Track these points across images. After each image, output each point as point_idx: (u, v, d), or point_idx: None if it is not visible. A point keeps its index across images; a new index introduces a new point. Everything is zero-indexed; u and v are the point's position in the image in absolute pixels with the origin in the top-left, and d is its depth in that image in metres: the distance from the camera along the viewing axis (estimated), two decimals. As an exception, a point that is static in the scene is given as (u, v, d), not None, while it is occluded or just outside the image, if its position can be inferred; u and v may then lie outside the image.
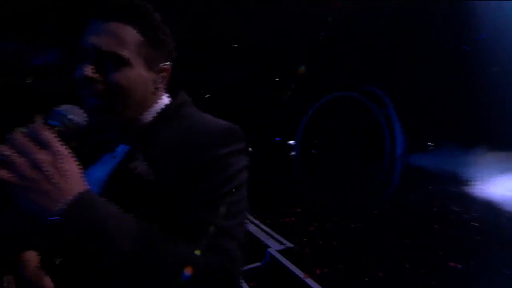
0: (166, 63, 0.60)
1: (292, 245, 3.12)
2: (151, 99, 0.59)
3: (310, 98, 8.90)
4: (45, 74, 8.38)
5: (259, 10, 6.71)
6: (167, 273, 0.42)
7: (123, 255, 0.40)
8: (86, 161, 0.52)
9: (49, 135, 0.40)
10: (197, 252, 0.44)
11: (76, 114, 0.45)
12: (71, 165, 0.42)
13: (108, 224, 0.40)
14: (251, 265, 2.76)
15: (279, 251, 2.92)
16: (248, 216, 4.28)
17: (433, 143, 7.37)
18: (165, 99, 0.63)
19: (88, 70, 0.50)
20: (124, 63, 0.52)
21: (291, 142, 9.08)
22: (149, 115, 0.59)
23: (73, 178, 0.41)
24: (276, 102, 12.11)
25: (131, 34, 0.53)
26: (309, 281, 2.32)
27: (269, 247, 3.05)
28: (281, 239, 3.29)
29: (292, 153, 8.89)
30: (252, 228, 3.71)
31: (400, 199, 5.20)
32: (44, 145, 0.39)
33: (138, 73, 0.54)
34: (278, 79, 12.16)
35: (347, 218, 4.06)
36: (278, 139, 10.05)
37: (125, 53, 0.52)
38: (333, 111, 8.02)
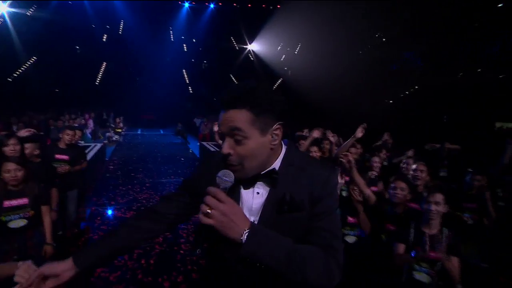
0: (277, 125, 0.78)
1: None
2: (272, 154, 0.81)
3: None
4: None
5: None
6: (309, 269, 0.69)
7: (280, 260, 0.68)
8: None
9: (222, 195, 0.69)
10: (323, 254, 0.73)
11: (228, 176, 0.73)
12: (238, 209, 0.71)
13: (268, 243, 0.69)
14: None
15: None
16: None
17: None
18: (282, 148, 0.86)
19: (224, 148, 0.76)
20: (243, 137, 0.74)
21: None
22: (276, 163, 0.82)
23: (242, 217, 0.70)
24: None
25: (244, 115, 0.73)
26: None
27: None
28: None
29: None
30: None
31: None
32: (222, 201, 0.68)
33: (255, 141, 0.75)
34: None
35: None
36: None
37: (242, 128, 0.73)
38: None
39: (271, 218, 0.80)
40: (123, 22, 17.51)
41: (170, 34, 20.65)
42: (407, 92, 15.06)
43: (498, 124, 11.34)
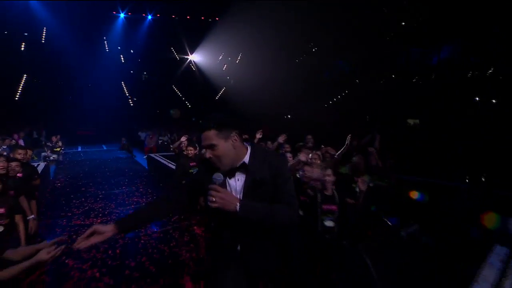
0: (233, 133, 1.35)
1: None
2: (238, 152, 1.38)
3: None
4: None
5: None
6: (277, 218, 1.31)
7: (261, 216, 1.29)
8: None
9: (219, 188, 1.27)
10: (286, 207, 1.34)
11: (219, 176, 1.31)
12: (229, 193, 1.32)
13: (252, 211, 1.29)
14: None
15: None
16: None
17: None
18: (247, 146, 1.43)
19: (207, 155, 1.36)
20: (213, 146, 1.32)
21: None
22: (246, 158, 1.39)
23: (232, 197, 1.29)
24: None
25: (211, 133, 1.32)
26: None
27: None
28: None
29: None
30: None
31: None
32: (219, 191, 1.26)
33: (220, 147, 1.33)
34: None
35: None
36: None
37: (212, 142, 1.32)
38: None
39: (249, 192, 1.37)
40: (46, 29, 16.52)
41: (105, 45, 20.07)
42: (339, 96, 17.32)
43: (410, 121, 14.08)
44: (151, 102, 20.05)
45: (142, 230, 4.01)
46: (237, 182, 1.40)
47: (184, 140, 4.78)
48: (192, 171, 4.05)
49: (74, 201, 5.23)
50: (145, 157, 10.09)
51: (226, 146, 1.34)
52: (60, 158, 10.61)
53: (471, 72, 11.76)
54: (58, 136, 11.73)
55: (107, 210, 4.78)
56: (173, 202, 1.51)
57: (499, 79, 10.48)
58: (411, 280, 2.55)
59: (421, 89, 13.21)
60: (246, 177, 1.38)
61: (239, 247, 1.42)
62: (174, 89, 21.38)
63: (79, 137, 15.87)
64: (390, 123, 13.23)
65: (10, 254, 1.66)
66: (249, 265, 1.43)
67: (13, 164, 3.10)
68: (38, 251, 1.62)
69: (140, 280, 2.85)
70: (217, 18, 18.87)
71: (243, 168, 1.39)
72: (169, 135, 12.10)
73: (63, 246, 1.46)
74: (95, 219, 4.38)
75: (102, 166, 8.84)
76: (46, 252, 1.42)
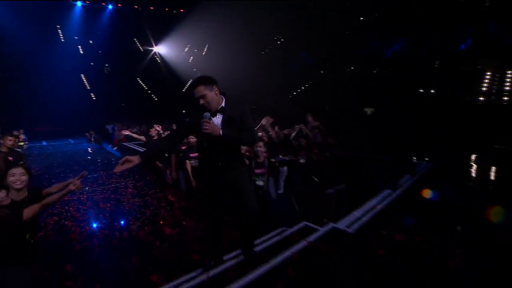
0: (214, 86, 2.21)
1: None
2: (218, 99, 2.23)
3: None
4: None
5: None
6: (244, 140, 2.33)
7: (233, 138, 2.21)
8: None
9: (208, 121, 2.14)
10: (249, 133, 2.27)
11: (207, 115, 2.16)
12: (215, 125, 2.18)
13: (229, 133, 2.17)
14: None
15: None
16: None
17: None
18: (223, 97, 2.29)
19: (200, 102, 2.18)
20: (204, 95, 2.16)
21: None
22: (223, 104, 2.26)
23: (216, 127, 2.17)
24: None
25: (201, 87, 2.16)
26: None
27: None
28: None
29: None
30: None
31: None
32: (209, 123, 2.13)
33: (209, 95, 2.17)
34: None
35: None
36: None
37: (203, 93, 2.16)
38: None
39: (225, 125, 2.18)
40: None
41: (59, 34, 19.58)
42: (303, 88, 18.77)
43: (368, 110, 15.92)
44: (116, 95, 20.06)
45: (125, 200, 4.96)
46: (218, 119, 2.23)
47: (127, 133, 6.10)
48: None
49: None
50: (115, 148, 10.71)
51: (211, 94, 2.18)
52: (26, 153, 10.85)
53: (418, 65, 13.74)
54: (21, 130, 11.85)
55: (91, 188, 5.61)
56: (176, 137, 2.43)
57: (442, 71, 12.51)
58: (322, 210, 3.84)
59: (376, 80, 15.00)
60: (223, 116, 2.23)
61: (220, 163, 2.27)
62: (139, 81, 21.51)
63: (38, 133, 15.68)
64: (349, 112, 14.93)
65: (48, 189, 2.60)
66: (226, 175, 2.30)
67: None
68: (67, 185, 2.57)
69: (129, 229, 3.85)
70: (181, 10, 19.26)
71: (221, 110, 2.23)
72: (138, 127, 12.71)
73: (81, 184, 2.27)
74: (81, 196, 5.21)
75: (75, 156, 9.39)
76: (72, 184, 2.17)
